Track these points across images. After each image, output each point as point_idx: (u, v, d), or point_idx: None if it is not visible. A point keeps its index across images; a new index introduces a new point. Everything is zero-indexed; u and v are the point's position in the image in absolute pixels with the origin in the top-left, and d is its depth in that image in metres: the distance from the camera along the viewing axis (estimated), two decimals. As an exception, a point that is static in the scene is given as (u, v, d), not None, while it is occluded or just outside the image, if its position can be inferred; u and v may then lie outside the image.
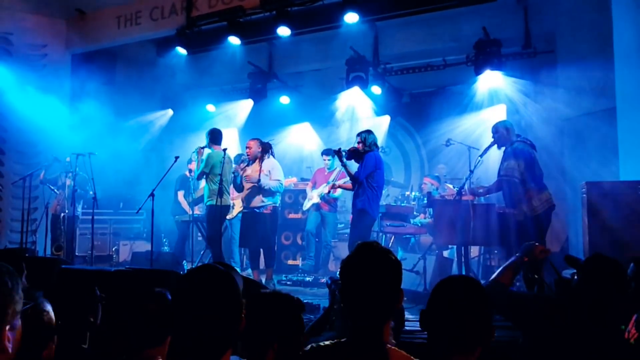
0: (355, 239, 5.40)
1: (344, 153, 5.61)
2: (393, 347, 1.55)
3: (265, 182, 6.15)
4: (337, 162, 7.20)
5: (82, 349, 2.10)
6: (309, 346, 1.61)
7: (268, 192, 6.21)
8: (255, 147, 6.27)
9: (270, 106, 9.33)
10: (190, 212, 7.65)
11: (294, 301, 1.93)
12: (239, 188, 6.43)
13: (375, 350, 1.50)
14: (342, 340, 1.57)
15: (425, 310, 1.58)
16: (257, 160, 6.30)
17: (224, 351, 1.35)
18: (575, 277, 2.25)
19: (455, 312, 1.49)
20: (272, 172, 6.23)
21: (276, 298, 1.92)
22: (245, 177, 6.23)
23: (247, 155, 6.33)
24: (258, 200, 6.24)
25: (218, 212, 6.14)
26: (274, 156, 6.48)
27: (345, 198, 7.77)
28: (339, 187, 6.95)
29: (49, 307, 1.63)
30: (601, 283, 2.13)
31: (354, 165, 5.84)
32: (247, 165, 6.34)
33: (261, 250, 6.30)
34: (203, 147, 6.34)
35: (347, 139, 8.66)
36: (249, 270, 7.08)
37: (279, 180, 6.25)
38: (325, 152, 7.39)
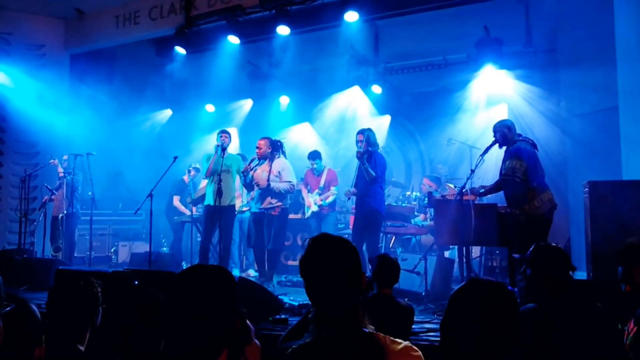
0: (374, 241, 5.68)
1: (365, 156, 5.67)
2: (380, 334, 1.50)
3: (275, 185, 6.03)
4: (323, 164, 7.22)
5: (79, 350, 2.06)
6: (290, 349, 1.55)
7: (278, 194, 6.08)
8: (265, 147, 6.15)
9: (270, 106, 9.31)
10: (189, 214, 7.61)
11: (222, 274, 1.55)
12: (249, 187, 6.32)
13: (360, 338, 1.45)
14: (324, 336, 1.50)
15: (446, 317, 1.46)
16: (267, 161, 6.18)
17: (220, 351, 1.35)
18: (527, 271, 2.43)
19: (484, 319, 1.38)
20: (282, 173, 6.09)
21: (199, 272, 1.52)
22: (255, 182, 6.14)
23: (257, 155, 6.19)
24: (267, 202, 6.11)
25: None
26: (284, 155, 6.34)
27: (344, 198, 7.71)
28: (327, 197, 7.02)
29: (32, 308, 1.59)
30: (549, 267, 2.33)
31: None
32: (258, 165, 6.18)
33: (266, 251, 6.17)
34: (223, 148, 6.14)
35: (346, 139, 8.61)
36: (249, 271, 7.05)
37: (289, 182, 6.10)
38: (312, 156, 7.18)
